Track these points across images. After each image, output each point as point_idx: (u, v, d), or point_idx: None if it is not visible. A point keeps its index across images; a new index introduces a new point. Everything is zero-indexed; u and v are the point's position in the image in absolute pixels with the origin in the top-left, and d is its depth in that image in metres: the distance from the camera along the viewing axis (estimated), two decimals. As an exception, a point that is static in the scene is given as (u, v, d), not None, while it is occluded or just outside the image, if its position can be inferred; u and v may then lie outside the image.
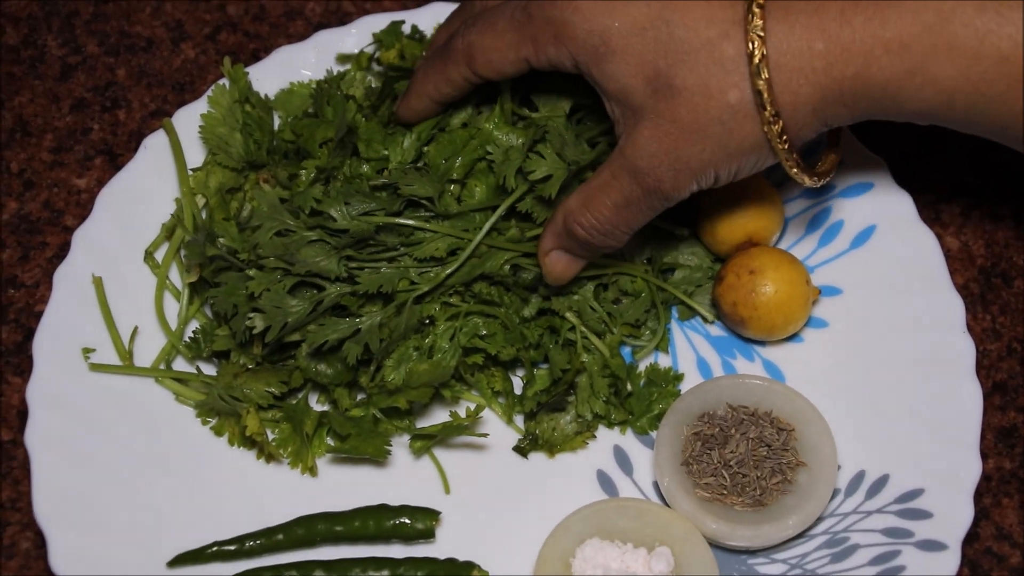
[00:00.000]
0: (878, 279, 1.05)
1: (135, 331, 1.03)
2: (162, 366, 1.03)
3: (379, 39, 1.11)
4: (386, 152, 1.01)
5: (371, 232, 0.95)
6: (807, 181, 0.91)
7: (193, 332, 1.03)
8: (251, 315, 0.95)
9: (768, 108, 0.85)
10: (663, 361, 1.04)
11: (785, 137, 0.86)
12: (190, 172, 1.07)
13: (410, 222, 0.97)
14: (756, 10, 0.84)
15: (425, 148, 1.01)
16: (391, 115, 1.04)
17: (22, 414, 1.04)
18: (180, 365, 1.04)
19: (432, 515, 0.96)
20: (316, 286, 0.96)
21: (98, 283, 1.03)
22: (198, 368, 1.03)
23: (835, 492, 0.97)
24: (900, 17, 0.83)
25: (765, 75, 0.84)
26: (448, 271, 0.97)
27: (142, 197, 1.07)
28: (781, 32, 0.84)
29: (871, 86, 0.85)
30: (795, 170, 0.89)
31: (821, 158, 0.95)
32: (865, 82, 0.85)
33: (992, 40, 0.82)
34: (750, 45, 0.84)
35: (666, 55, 0.86)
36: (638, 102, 0.88)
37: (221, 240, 0.98)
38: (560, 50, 0.90)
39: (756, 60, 0.84)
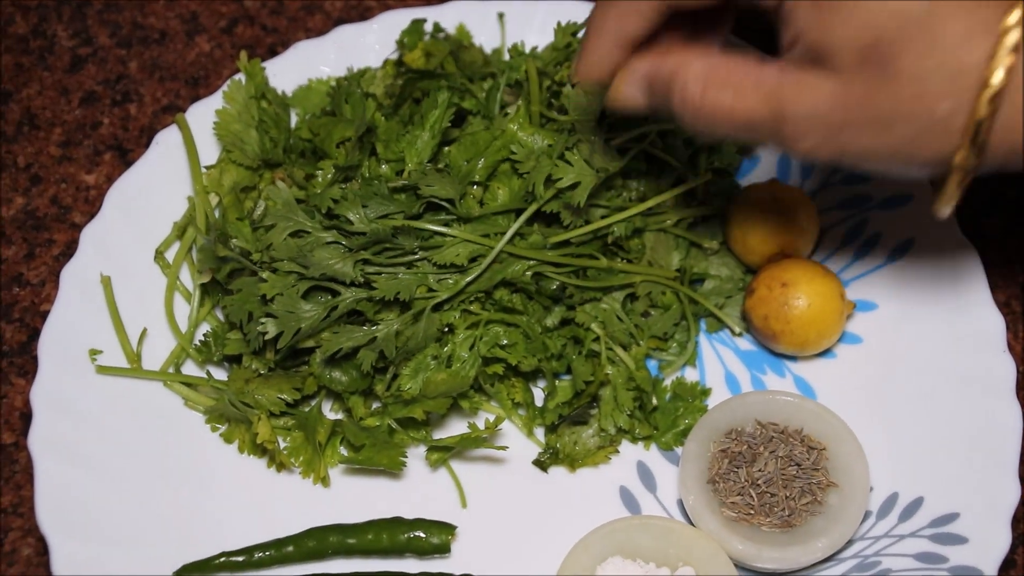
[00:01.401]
0: (915, 294, 1.03)
1: (144, 333, 1.02)
2: (171, 370, 1.02)
3: (400, 42, 1.10)
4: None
5: (388, 235, 0.94)
6: (943, 210, 0.80)
7: (204, 335, 1.02)
8: (263, 320, 0.94)
9: (979, 137, 0.74)
10: (690, 375, 1.03)
11: (967, 172, 0.76)
12: (203, 170, 1.06)
13: (429, 226, 0.96)
14: (1015, 20, 0.72)
15: (446, 149, 1.00)
16: (411, 115, 1.02)
17: (26, 417, 1.03)
18: (190, 369, 1.03)
19: (448, 529, 0.95)
20: (331, 291, 0.95)
21: (106, 283, 1.02)
22: (208, 372, 1.02)
23: (867, 514, 0.96)
24: None
25: (991, 102, 0.73)
26: (468, 278, 0.96)
27: (153, 195, 1.07)
28: None
29: None
30: (944, 204, 0.80)
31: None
32: None
33: None
34: (994, 61, 0.72)
35: (900, 29, 0.74)
36: (836, 63, 0.77)
37: (234, 241, 0.97)
38: None
39: (994, 81, 0.72)
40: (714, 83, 0.82)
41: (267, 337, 0.94)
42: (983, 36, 0.73)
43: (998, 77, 0.72)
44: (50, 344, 0.99)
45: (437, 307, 0.96)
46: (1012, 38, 0.72)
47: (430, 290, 0.96)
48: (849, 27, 0.76)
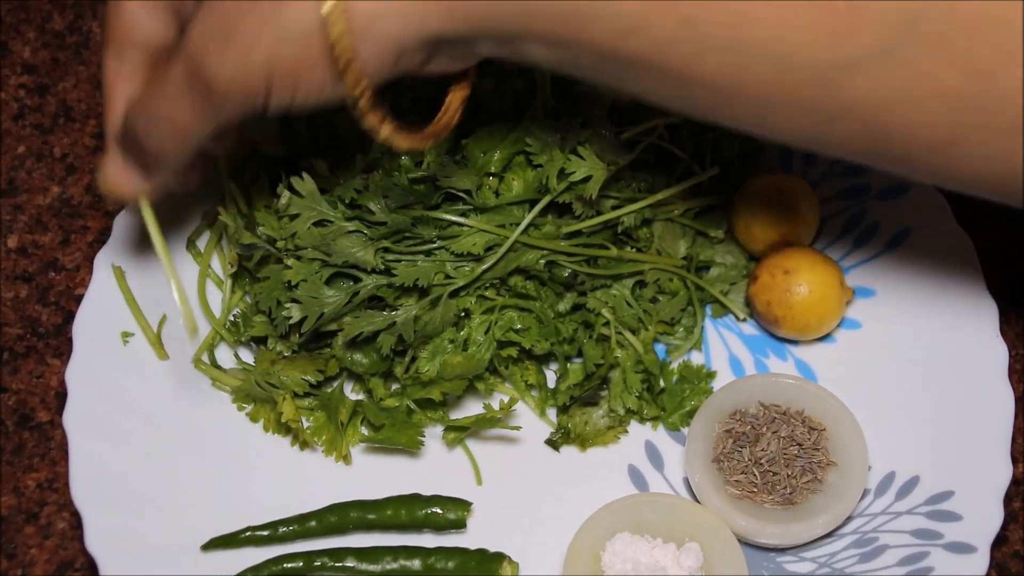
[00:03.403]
0: (912, 282, 1.04)
1: (163, 319, 1.04)
2: (205, 354, 1.03)
3: None
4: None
5: (408, 224, 0.95)
6: (392, 138, 0.76)
7: (233, 316, 1.04)
8: (288, 305, 0.96)
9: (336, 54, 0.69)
10: (696, 358, 1.05)
11: (349, 50, 0.70)
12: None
13: (447, 216, 0.97)
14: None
15: (463, 141, 1.00)
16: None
17: (60, 396, 1.05)
18: (223, 352, 1.04)
19: (464, 505, 0.96)
20: (353, 277, 0.96)
21: (119, 273, 1.03)
22: (236, 354, 1.04)
23: (865, 492, 0.97)
24: None
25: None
26: (484, 266, 0.97)
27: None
28: None
29: None
30: (364, 105, 0.74)
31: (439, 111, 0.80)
32: None
33: None
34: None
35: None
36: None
37: (261, 229, 0.98)
38: None
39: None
40: (145, 92, 0.80)
41: (291, 322, 0.96)
42: None
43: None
44: (84, 326, 1.01)
45: (454, 293, 0.98)
46: None
47: (447, 277, 0.97)
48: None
